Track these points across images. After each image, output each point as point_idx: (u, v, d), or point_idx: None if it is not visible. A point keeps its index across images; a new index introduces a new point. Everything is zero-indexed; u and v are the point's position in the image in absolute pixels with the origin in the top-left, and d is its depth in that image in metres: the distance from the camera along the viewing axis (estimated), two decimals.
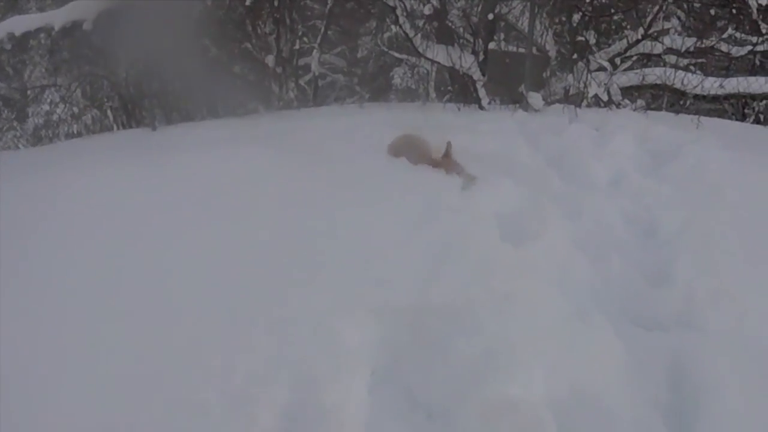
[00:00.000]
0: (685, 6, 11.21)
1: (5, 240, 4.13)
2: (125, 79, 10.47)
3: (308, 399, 2.82)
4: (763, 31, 9.91)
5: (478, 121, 7.50)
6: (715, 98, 9.62)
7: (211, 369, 2.92)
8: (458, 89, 9.73)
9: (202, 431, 2.64)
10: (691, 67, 10.59)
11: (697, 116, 7.77)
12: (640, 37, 9.93)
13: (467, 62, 8.93)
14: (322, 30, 10.31)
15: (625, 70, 10.15)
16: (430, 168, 5.27)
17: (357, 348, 3.16)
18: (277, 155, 5.68)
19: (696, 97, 9.41)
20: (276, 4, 9.71)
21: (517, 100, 8.68)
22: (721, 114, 12.02)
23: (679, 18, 11.70)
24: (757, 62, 12.36)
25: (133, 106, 10.70)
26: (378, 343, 3.28)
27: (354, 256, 3.86)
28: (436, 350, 3.22)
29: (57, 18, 9.97)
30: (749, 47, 10.09)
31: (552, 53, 9.65)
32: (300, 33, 10.51)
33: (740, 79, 9.26)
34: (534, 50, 8.85)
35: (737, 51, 10.07)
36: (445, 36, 9.56)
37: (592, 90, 8.75)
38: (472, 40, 9.68)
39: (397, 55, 10.82)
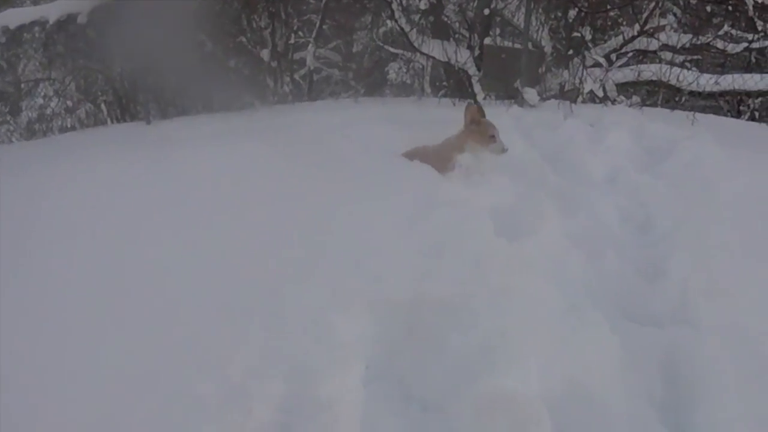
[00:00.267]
0: (681, 2, 11.20)
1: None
2: (120, 73, 10.43)
3: (304, 392, 2.84)
4: (759, 28, 9.92)
5: None
6: (711, 95, 9.62)
7: (208, 363, 2.94)
8: (453, 84, 9.72)
9: (199, 425, 2.64)
10: (687, 64, 10.59)
11: (692, 113, 7.77)
12: (636, 33, 9.91)
13: (462, 57, 8.93)
14: (318, 24, 10.29)
15: (620, 66, 10.15)
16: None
17: (352, 342, 3.18)
18: (273, 150, 5.66)
19: (691, 93, 9.41)
20: None
21: (513, 96, 8.67)
22: (717, 111, 12.03)
23: (675, 15, 11.68)
24: (753, 59, 12.39)
25: (127, 100, 10.66)
26: (373, 337, 3.30)
27: (349, 251, 3.86)
28: (431, 344, 3.24)
29: (51, 11, 9.92)
30: (745, 44, 10.09)
31: (548, 49, 9.64)
32: (295, 27, 10.48)
33: (735, 76, 9.27)
34: (530, 46, 8.83)
35: (733, 48, 10.08)
36: (441, 31, 9.56)
37: (588, 86, 8.75)
38: (467, 36, 9.67)
39: (392, 49, 10.80)
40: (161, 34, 8.69)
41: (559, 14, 9.80)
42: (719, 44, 10.12)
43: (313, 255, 3.84)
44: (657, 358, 3.37)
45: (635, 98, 9.29)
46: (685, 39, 9.76)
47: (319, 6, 10.52)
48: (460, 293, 3.40)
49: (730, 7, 10.20)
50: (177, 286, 3.58)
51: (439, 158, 5.24)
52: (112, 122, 11.20)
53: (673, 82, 9.15)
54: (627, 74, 9.55)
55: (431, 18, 9.45)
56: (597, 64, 9.52)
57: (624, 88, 9.75)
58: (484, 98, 8.97)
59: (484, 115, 5.27)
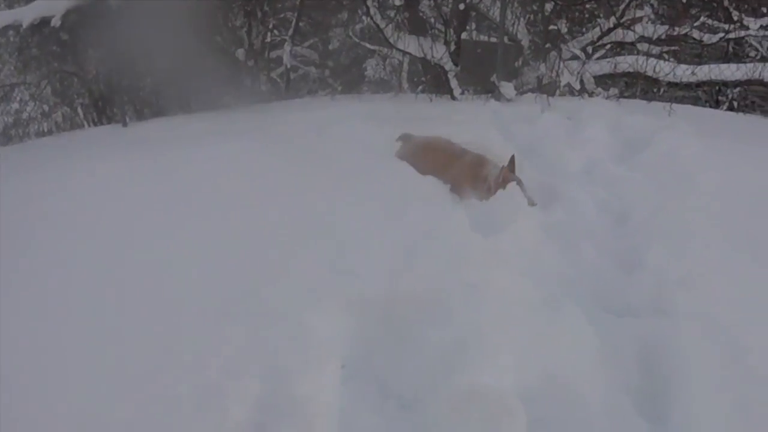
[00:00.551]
0: None
1: None
2: (95, 75, 10.38)
3: (279, 391, 2.82)
4: (735, 18, 9.97)
5: (451, 111, 7.50)
6: (689, 85, 9.66)
7: (184, 364, 2.93)
8: (431, 80, 9.70)
9: (175, 425, 2.64)
10: (665, 55, 10.63)
11: (669, 104, 7.79)
12: (612, 26, 9.92)
13: (438, 53, 8.90)
14: (294, 22, 10.24)
15: (598, 58, 10.16)
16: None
17: (328, 340, 3.16)
18: (249, 151, 5.66)
19: (670, 84, 9.44)
20: None
21: (490, 90, 8.66)
22: (695, 101, 12.11)
23: (652, 6, 11.72)
24: (731, 49, 12.47)
25: (103, 103, 10.60)
26: (349, 335, 3.28)
27: (326, 249, 3.86)
28: (407, 341, 3.23)
29: (25, 15, 9.83)
30: (721, 35, 10.13)
31: (525, 42, 9.63)
32: (271, 25, 10.44)
33: (712, 66, 9.31)
34: (506, 39, 8.82)
35: (709, 38, 10.12)
36: (418, 27, 9.52)
37: (565, 79, 8.75)
38: (443, 31, 9.65)
39: (369, 46, 10.78)
40: (135, 36, 8.64)
41: (535, 7, 9.79)
42: (696, 35, 10.15)
43: (290, 253, 3.83)
44: (634, 348, 3.36)
45: (612, 90, 9.30)
46: (662, 30, 9.77)
47: (295, 4, 10.48)
48: (435, 289, 3.40)
49: None
50: (154, 287, 3.57)
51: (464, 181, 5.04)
52: (89, 125, 11.13)
53: (650, 73, 9.16)
54: (603, 66, 9.57)
55: (407, 14, 9.40)
56: (575, 57, 9.53)
57: (602, 80, 9.77)
58: (461, 93, 8.95)
59: (514, 170, 4.93)
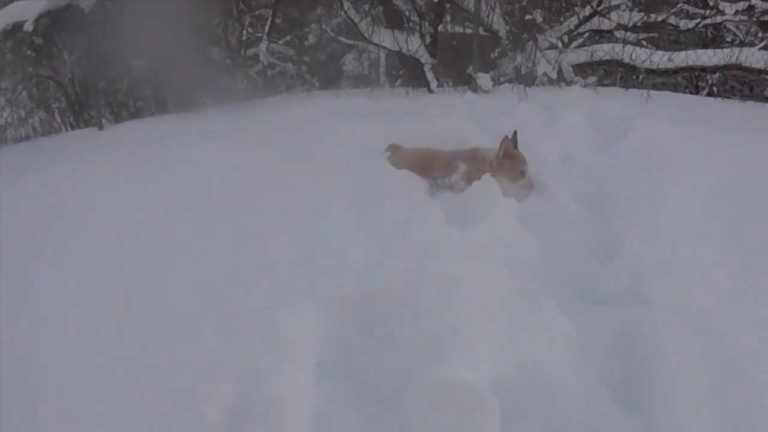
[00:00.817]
0: None
1: None
2: (71, 78, 10.32)
3: (253, 393, 2.81)
4: (711, 3, 9.99)
5: (428, 104, 7.46)
6: (667, 72, 9.66)
7: (159, 368, 2.92)
8: (408, 73, 9.67)
9: (150, 430, 2.63)
10: (643, 42, 10.64)
11: (646, 91, 7.79)
12: (587, 14, 9.92)
13: (414, 46, 8.88)
14: (269, 19, 10.19)
15: (578, 47, 10.16)
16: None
17: (301, 339, 3.15)
18: (223, 150, 5.63)
19: (649, 71, 9.45)
20: None
21: (468, 82, 8.64)
22: (675, 88, 12.12)
23: None
24: (709, 35, 12.49)
25: (80, 106, 10.54)
26: (324, 334, 3.26)
27: (299, 247, 3.83)
28: (383, 337, 3.21)
29: None
30: (697, 20, 10.15)
31: (502, 33, 9.61)
32: (247, 23, 10.39)
33: (689, 52, 9.32)
34: (481, 30, 8.80)
35: (685, 24, 10.14)
36: (394, 20, 9.49)
37: (541, 68, 8.74)
38: (418, 23, 9.62)
39: (345, 40, 10.75)
40: (110, 38, 8.60)
41: None
42: (673, 21, 10.17)
43: (264, 253, 3.82)
44: (611, 338, 3.36)
45: (591, 78, 9.30)
46: (637, 17, 9.78)
47: (270, 0, 10.42)
48: (409, 284, 3.37)
49: None
50: (128, 291, 3.55)
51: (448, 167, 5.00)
52: (67, 129, 11.07)
53: (627, 60, 9.17)
54: (580, 55, 9.57)
55: (381, 7, 9.36)
56: (553, 46, 9.52)
57: (581, 68, 9.76)
58: (440, 86, 8.93)
59: (517, 146, 5.00)
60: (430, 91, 8.85)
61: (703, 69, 9.65)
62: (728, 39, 12.44)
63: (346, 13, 8.89)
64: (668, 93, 9.25)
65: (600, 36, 10.52)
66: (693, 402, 2.80)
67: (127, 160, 5.74)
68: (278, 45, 11.51)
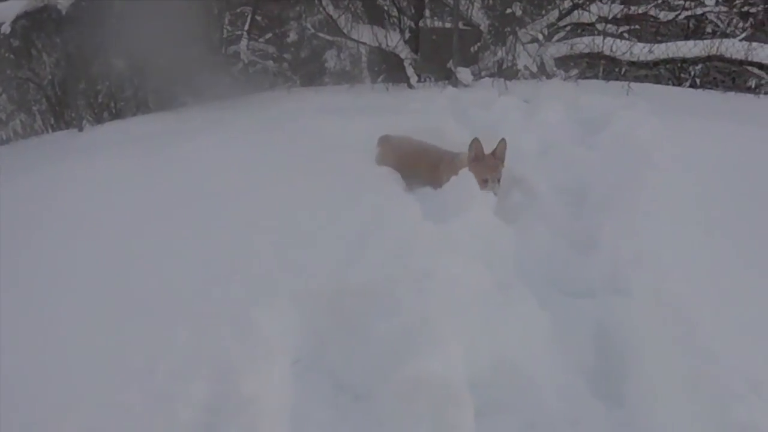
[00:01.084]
0: None
1: None
2: (50, 80, 10.26)
3: (227, 391, 2.79)
4: None
5: (408, 100, 7.46)
6: (649, 64, 9.67)
7: (134, 369, 2.90)
8: (389, 69, 9.65)
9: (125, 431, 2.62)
10: (625, 35, 10.64)
11: (627, 82, 7.80)
12: (568, 7, 9.92)
13: (393, 41, 8.85)
14: (249, 16, 10.14)
15: (560, 40, 10.16)
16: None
17: (275, 336, 3.13)
18: (202, 149, 5.61)
19: (631, 63, 9.45)
20: None
21: (449, 77, 8.63)
22: (657, 79, 12.13)
23: None
24: (691, 26, 12.50)
25: (61, 108, 10.48)
26: (299, 330, 3.25)
27: (275, 243, 3.82)
28: (358, 332, 3.21)
29: None
30: (677, 12, 10.16)
31: (484, 27, 9.59)
32: (227, 21, 10.35)
33: (669, 44, 9.32)
34: (461, 25, 8.79)
35: (665, 16, 10.14)
36: (375, 16, 9.47)
37: (522, 62, 8.73)
38: (398, 19, 9.60)
39: (324, 36, 10.70)
40: (88, 38, 8.55)
41: None
42: (655, 13, 10.18)
43: (239, 250, 3.80)
44: (588, 329, 3.37)
45: (572, 71, 9.31)
46: (617, 9, 9.79)
47: None
48: (384, 279, 3.35)
49: None
50: (103, 292, 3.53)
51: (434, 174, 4.88)
52: (47, 131, 11.01)
53: (607, 52, 9.17)
54: (561, 48, 9.56)
55: (359, 3, 9.33)
56: (534, 40, 9.51)
57: (564, 61, 9.76)
58: (422, 81, 8.91)
59: (483, 151, 4.71)
60: (410, 86, 8.83)
61: (684, 60, 9.66)
62: (708, 30, 12.46)
63: (324, 9, 8.86)
64: (649, 85, 9.26)
65: (582, 29, 10.52)
66: (669, 392, 2.80)
67: (103, 161, 5.71)
68: (259, 43, 11.46)
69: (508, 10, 9.31)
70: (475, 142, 4.66)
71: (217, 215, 4.28)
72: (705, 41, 9.27)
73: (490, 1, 9.97)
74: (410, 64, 8.85)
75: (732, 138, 5.22)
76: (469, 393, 2.72)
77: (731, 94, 8.64)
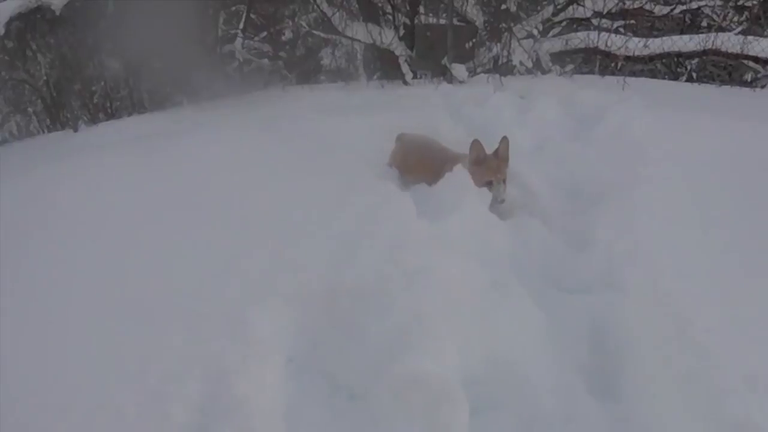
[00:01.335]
0: None
1: None
2: (45, 81, 10.23)
3: (220, 392, 2.77)
4: None
5: (403, 97, 7.45)
6: (645, 59, 9.65)
7: (127, 372, 2.87)
8: (383, 66, 9.64)
9: None
10: (621, 29, 10.62)
11: (623, 77, 7.79)
12: (564, 2, 9.91)
13: (388, 38, 8.84)
14: (244, 15, 10.12)
15: (555, 35, 10.14)
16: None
17: (269, 336, 3.11)
18: (196, 148, 5.59)
19: (627, 58, 9.43)
20: None
21: (442, 73, 8.62)
22: (654, 74, 12.11)
23: None
24: (687, 21, 12.48)
25: (56, 109, 10.45)
26: (293, 329, 3.23)
27: (269, 243, 3.78)
28: (352, 331, 3.19)
29: None
30: (672, 6, 10.15)
31: (479, 23, 9.58)
32: (221, 20, 10.32)
33: (665, 38, 9.31)
34: (456, 21, 8.77)
35: (660, 10, 10.13)
36: (370, 13, 9.45)
37: (517, 57, 8.72)
38: (392, 15, 9.58)
39: (318, 34, 10.69)
40: (83, 39, 8.52)
41: None
42: (650, 7, 10.17)
43: (231, 251, 3.75)
44: (583, 326, 3.37)
45: (568, 67, 9.30)
46: (611, 4, 9.77)
47: None
48: (378, 278, 3.34)
49: None
50: (96, 294, 3.48)
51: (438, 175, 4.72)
52: (43, 132, 10.98)
53: (602, 47, 9.15)
54: (556, 44, 9.55)
55: (354, 0, 9.32)
56: (530, 36, 9.50)
57: (560, 57, 9.75)
58: (418, 78, 8.90)
59: (484, 152, 4.60)
60: (405, 83, 8.82)
61: (680, 54, 9.64)
62: (703, 24, 12.45)
63: (318, 7, 8.84)
64: (645, 79, 9.24)
65: (577, 24, 10.50)
66: (664, 388, 2.80)
67: (99, 161, 5.68)
68: (254, 41, 11.44)
69: (503, 6, 9.30)
70: (476, 144, 4.56)
71: (211, 215, 4.23)
72: (701, 35, 9.25)
73: None
74: (405, 61, 8.84)
75: (727, 133, 5.20)
76: (463, 391, 2.71)
77: (727, 88, 8.62)
